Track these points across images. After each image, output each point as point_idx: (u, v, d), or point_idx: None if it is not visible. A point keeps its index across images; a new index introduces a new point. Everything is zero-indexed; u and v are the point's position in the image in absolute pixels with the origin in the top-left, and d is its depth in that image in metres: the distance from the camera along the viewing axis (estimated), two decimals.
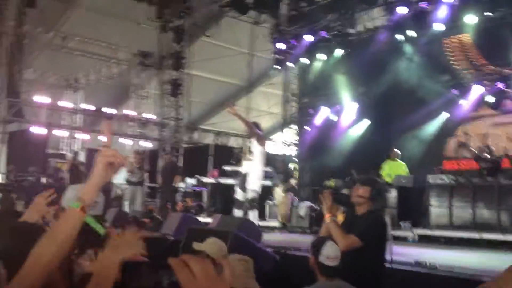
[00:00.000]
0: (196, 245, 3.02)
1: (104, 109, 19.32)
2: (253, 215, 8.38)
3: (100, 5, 17.32)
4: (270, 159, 9.48)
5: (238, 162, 11.06)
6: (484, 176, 9.87)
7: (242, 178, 8.61)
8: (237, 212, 8.44)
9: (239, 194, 8.63)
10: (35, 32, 17.39)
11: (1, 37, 14.12)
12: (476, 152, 10.59)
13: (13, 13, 14.47)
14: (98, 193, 1.94)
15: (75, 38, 18.42)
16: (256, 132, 8.40)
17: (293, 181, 12.25)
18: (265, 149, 8.58)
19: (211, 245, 3.01)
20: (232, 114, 8.65)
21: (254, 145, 8.42)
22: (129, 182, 12.48)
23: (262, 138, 8.49)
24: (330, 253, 3.75)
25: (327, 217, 4.48)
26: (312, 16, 14.75)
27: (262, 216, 11.24)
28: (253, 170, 8.42)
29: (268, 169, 10.12)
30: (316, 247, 3.82)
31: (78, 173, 13.76)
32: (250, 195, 8.42)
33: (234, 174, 12.48)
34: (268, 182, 11.11)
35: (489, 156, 10.35)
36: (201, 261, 1.26)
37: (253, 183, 8.40)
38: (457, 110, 13.08)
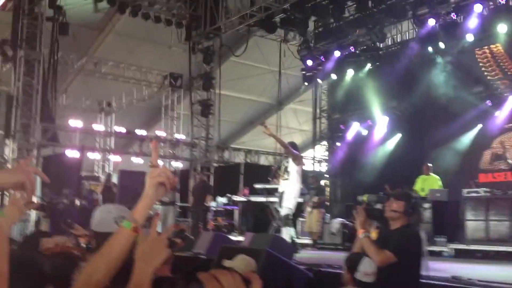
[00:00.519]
0: (226, 263, 3.02)
1: (136, 131, 19.57)
2: (287, 232, 8.37)
3: (130, 30, 17.70)
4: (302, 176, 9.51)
5: (274, 178, 11.09)
6: None
7: (280, 198, 8.75)
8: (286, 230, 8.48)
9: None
10: (69, 58, 17.88)
11: (35, 65, 14.57)
12: None
13: (47, 41, 14.91)
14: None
15: (107, 63, 18.82)
16: (292, 152, 8.49)
17: (315, 198, 12.01)
18: (302, 168, 8.64)
19: (240, 262, 3.01)
20: (267, 134, 8.79)
21: (291, 164, 8.51)
22: (161, 202, 12.57)
23: (298, 158, 8.59)
24: (367, 269, 3.69)
25: (361, 232, 4.40)
26: (340, 31, 14.74)
27: None
28: (289, 188, 8.52)
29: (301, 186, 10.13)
30: (352, 263, 3.77)
31: (111, 194, 13.91)
32: (284, 212, 8.47)
33: (265, 192, 12.45)
34: (300, 199, 11.06)
35: None
36: (230, 274, 1.31)
37: (288, 200, 8.49)
38: (492, 122, 12.79)
